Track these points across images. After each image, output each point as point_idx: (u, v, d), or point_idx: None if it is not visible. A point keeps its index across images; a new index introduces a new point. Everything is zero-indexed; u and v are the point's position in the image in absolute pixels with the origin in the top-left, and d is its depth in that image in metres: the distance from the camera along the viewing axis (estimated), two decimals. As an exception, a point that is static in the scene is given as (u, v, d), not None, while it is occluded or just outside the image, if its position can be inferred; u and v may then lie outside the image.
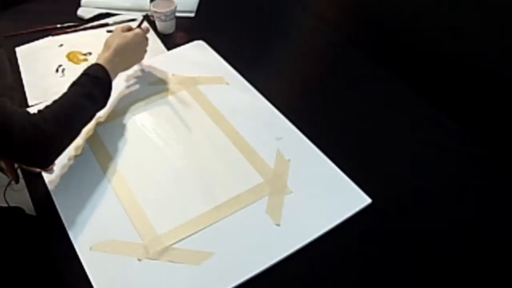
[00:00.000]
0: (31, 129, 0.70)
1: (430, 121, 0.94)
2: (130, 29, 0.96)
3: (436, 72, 0.99)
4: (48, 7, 1.24)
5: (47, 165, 0.80)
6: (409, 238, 0.76)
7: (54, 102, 0.77)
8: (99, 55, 0.90)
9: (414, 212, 0.79)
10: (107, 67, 0.86)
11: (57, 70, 1.06)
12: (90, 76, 0.83)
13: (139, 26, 0.99)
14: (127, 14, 1.22)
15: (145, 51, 0.99)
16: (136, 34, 0.94)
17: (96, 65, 0.86)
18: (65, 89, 0.79)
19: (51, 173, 0.83)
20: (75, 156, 0.86)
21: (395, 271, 0.72)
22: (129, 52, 0.93)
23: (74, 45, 1.12)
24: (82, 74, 0.83)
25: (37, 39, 1.14)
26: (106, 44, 0.91)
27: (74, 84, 0.82)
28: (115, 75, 0.89)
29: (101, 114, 0.93)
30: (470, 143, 0.90)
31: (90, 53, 1.10)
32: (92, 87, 0.82)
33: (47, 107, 0.76)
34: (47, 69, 1.06)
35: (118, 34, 0.92)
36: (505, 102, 0.88)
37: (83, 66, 1.05)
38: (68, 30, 1.16)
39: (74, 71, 1.03)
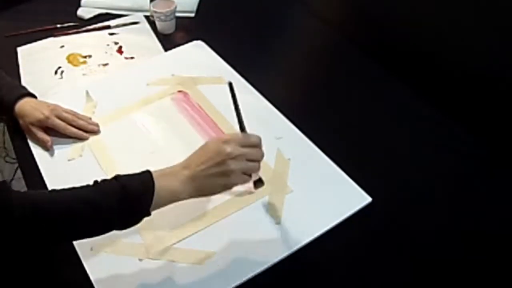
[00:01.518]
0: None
1: (430, 121, 0.94)
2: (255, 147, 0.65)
3: (436, 72, 0.99)
4: (48, 7, 1.24)
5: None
6: (409, 237, 0.76)
7: (55, 191, 0.60)
8: (173, 167, 0.64)
9: (414, 212, 0.80)
10: (161, 181, 0.62)
11: (56, 72, 1.05)
12: (117, 186, 0.60)
13: (240, 127, 0.70)
14: (128, 15, 1.22)
15: (236, 180, 0.65)
16: (220, 152, 0.63)
17: (145, 174, 0.62)
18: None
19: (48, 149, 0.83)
20: (75, 156, 0.86)
21: (395, 271, 0.72)
22: (204, 169, 0.63)
23: (74, 47, 1.12)
24: (114, 178, 0.61)
25: (39, 39, 1.14)
26: (190, 158, 0.65)
27: (96, 182, 0.61)
28: (173, 196, 0.63)
29: (101, 114, 0.94)
30: (470, 143, 0.90)
31: (90, 56, 1.10)
32: (110, 202, 0.59)
33: (48, 192, 0.61)
34: (46, 70, 1.06)
35: (204, 143, 0.65)
36: (505, 102, 0.88)
37: (82, 69, 1.06)
38: (70, 31, 1.16)
39: (73, 74, 1.05)
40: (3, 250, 0.69)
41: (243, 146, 0.64)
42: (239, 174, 0.64)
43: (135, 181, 0.61)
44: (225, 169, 0.63)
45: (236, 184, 0.65)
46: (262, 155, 0.67)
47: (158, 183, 0.62)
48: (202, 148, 0.65)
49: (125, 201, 0.59)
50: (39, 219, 0.58)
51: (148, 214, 0.62)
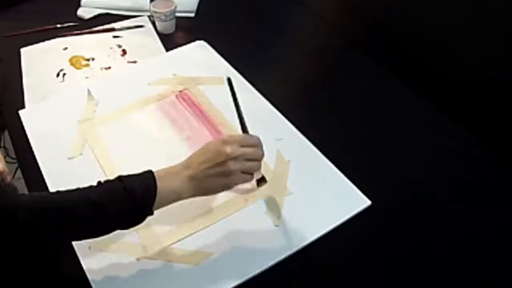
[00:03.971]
0: (3, 212, 0.58)
1: (430, 121, 0.94)
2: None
3: (436, 72, 0.99)
4: (48, 7, 1.24)
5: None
6: (409, 238, 0.76)
7: (58, 193, 0.61)
8: (174, 167, 0.65)
9: (414, 212, 0.79)
10: (163, 181, 0.62)
11: (58, 75, 1.05)
12: (119, 186, 0.61)
13: (242, 128, 0.72)
14: (128, 15, 1.22)
15: (236, 180, 0.65)
16: (220, 153, 0.63)
17: (146, 173, 0.63)
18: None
19: None
20: (75, 156, 0.86)
21: (394, 273, 0.72)
22: (204, 169, 0.64)
23: (78, 49, 1.12)
24: (117, 178, 0.62)
25: (42, 39, 1.14)
26: (191, 158, 0.65)
27: (100, 183, 0.62)
28: (175, 196, 0.64)
29: (102, 113, 0.94)
30: (470, 143, 0.90)
31: (93, 59, 1.09)
32: (113, 203, 0.60)
33: (49, 193, 0.62)
34: (48, 72, 1.06)
35: (205, 144, 0.66)
36: (505, 102, 0.88)
37: (84, 72, 1.06)
38: (74, 32, 1.16)
39: (75, 77, 1.04)
40: (8, 251, 0.71)
41: (243, 146, 0.65)
42: (239, 174, 0.65)
43: (139, 182, 0.62)
44: (226, 170, 0.64)
45: (236, 184, 0.66)
46: (262, 155, 0.67)
47: (161, 184, 0.62)
48: (203, 148, 0.66)
49: (129, 202, 0.60)
50: (45, 222, 0.59)
51: (151, 213, 0.63)
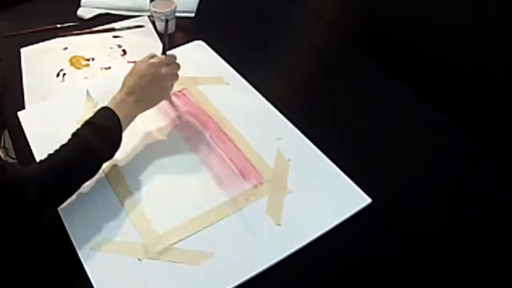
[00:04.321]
0: (15, 192, 0.65)
1: (430, 121, 0.94)
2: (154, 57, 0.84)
3: (436, 72, 0.99)
4: (48, 7, 1.24)
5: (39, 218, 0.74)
6: (409, 238, 0.76)
7: (49, 157, 0.69)
8: (115, 94, 0.79)
9: (414, 212, 0.79)
10: (119, 111, 0.74)
11: (58, 75, 1.05)
12: (94, 127, 0.72)
13: (163, 52, 0.86)
14: (128, 15, 1.23)
15: (171, 85, 0.86)
16: (152, 65, 0.80)
17: (104, 110, 0.75)
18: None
19: None
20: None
21: (395, 271, 0.72)
22: (146, 88, 0.79)
23: (78, 49, 1.12)
24: (86, 123, 0.73)
25: (42, 39, 1.14)
26: (123, 81, 0.80)
27: (75, 134, 0.72)
28: (131, 118, 0.78)
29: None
30: (470, 143, 0.90)
31: (93, 59, 1.09)
32: (95, 141, 0.71)
33: (40, 162, 0.69)
34: (48, 72, 1.05)
35: (134, 68, 0.81)
36: (505, 102, 0.88)
37: (84, 72, 1.06)
38: (74, 32, 1.16)
39: (75, 77, 1.04)
40: (9, 251, 0.76)
41: (168, 64, 0.83)
42: (170, 82, 0.85)
43: (106, 119, 0.74)
44: (163, 86, 0.83)
45: (170, 86, 0.86)
46: (178, 66, 0.87)
47: (119, 113, 0.75)
48: (137, 74, 0.79)
49: (105, 136, 0.73)
50: (52, 183, 0.68)
51: (121, 138, 0.76)
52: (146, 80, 0.79)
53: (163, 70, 0.81)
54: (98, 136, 0.72)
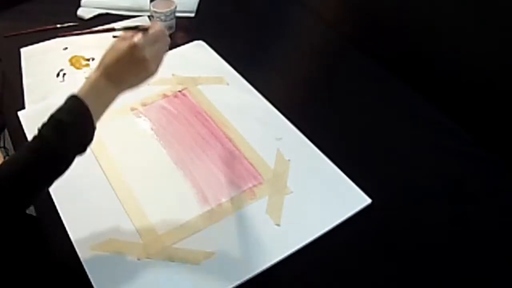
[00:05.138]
0: None
1: (430, 121, 0.94)
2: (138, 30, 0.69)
3: (436, 72, 0.99)
4: (48, 7, 1.23)
5: None
6: (409, 238, 0.76)
7: (9, 161, 0.61)
8: (91, 73, 0.67)
9: (414, 212, 0.79)
10: (92, 99, 0.64)
11: (58, 75, 1.05)
12: (57, 124, 0.61)
13: (142, 30, 0.70)
14: (128, 15, 1.22)
15: (155, 68, 0.71)
16: (134, 47, 0.66)
17: (72, 100, 0.63)
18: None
19: None
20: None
21: (395, 271, 0.72)
22: (125, 72, 0.67)
23: (78, 49, 1.12)
24: (51, 118, 0.62)
25: (41, 39, 1.13)
26: (101, 57, 0.68)
27: (37, 137, 0.61)
28: (107, 104, 0.67)
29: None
30: (469, 143, 0.90)
31: (93, 59, 1.09)
32: (61, 142, 0.61)
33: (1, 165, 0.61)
34: (48, 72, 1.05)
35: (113, 46, 0.68)
36: (505, 102, 0.88)
37: (84, 72, 1.06)
38: (74, 32, 1.16)
39: (74, 77, 1.04)
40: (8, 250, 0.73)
41: (153, 43, 0.68)
42: (155, 66, 0.71)
43: (74, 113, 0.63)
44: (146, 70, 0.69)
45: (155, 69, 0.71)
46: (168, 41, 0.73)
47: (92, 101, 0.64)
48: (115, 54, 0.66)
49: (72, 133, 0.62)
50: (13, 190, 0.60)
51: (95, 128, 0.65)
52: (125, 63, 0.66)
53: (147, 53, 0.67)
54: (63, 136, 0.61)
